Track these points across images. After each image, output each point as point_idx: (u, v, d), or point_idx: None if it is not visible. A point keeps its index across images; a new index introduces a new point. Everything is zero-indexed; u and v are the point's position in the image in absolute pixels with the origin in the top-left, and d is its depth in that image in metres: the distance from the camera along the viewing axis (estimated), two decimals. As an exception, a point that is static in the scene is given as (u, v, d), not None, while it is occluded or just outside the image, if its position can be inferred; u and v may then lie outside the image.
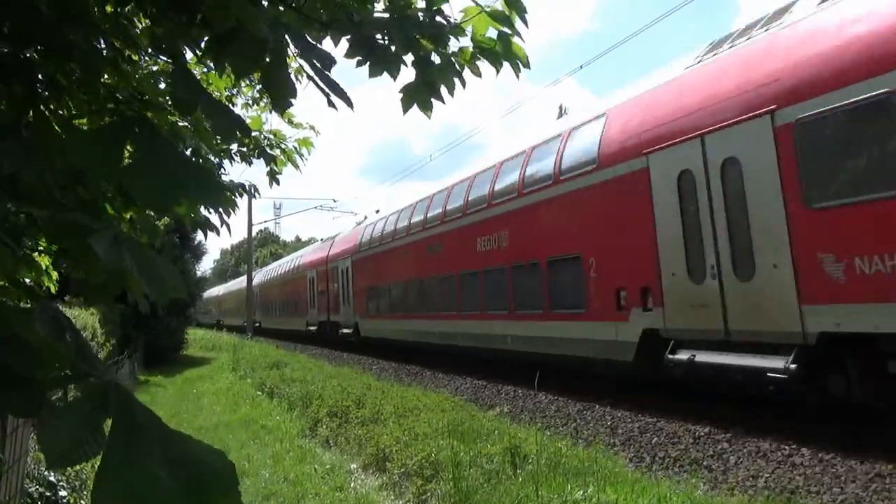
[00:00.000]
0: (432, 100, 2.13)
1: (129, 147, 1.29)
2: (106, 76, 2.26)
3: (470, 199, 14.98)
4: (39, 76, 1.86)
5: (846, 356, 6.67)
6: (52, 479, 5.11)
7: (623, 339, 9.48)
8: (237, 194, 3.95)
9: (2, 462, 3.52)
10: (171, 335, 24.45)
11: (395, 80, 2.07)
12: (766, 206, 7.26)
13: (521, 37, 2.16)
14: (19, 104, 1.74)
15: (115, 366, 12.63)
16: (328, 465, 7.08)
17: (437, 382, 13.83)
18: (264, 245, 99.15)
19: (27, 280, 2.74)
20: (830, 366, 6.82)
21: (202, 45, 1.94)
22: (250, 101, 3.97)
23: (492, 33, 2.15)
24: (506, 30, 2.13)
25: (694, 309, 8.25)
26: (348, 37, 2.02)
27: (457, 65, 2.15)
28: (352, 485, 6.33)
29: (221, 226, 3.59)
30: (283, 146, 3.92)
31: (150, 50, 2.37)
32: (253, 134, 3.82)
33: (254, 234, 45.74)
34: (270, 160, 3.89)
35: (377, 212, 23.82)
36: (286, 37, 1.62)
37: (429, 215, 17.11)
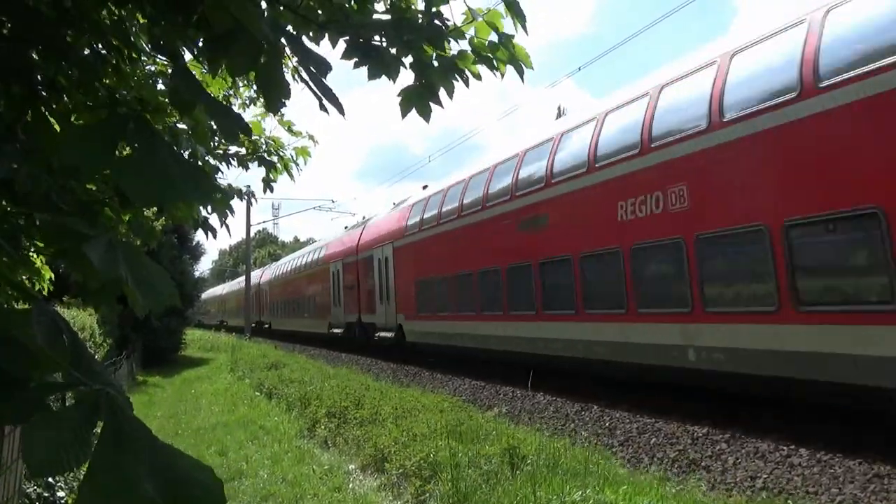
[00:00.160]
0: (431, 104, 2.12)
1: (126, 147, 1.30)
2: (105, 78, 2.26)
3: (604, 143, 10.10)
4: (38, 77, 1.87)
5: None
6: (49, 479, 5.11)
7: None
8: (235, 196, 3.95)
9: (0, 463, 3.51)
10: (170, 336, 24.41)
11: (394, 82, 2.07)
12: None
13: (511, 42, 2.15)
14: (18, 104, 1.74)
15: (112, 367, 12.61)
16: (326, 465, 7.07)
17: (436, 383, 13.83)
18: (262, 245, 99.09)
19: (24, 278, 2.73)
20: None
21: (199, 44, 1.94)
22: (247, 102, 3.97)
23: (493, 37, 2.14)
24: (507, 32, 2.13)
25: None
26: (346, 38, 2.01)
27: (456, 69, 2.15)
28: (350, 485, 6.32)
29: (221, 227, 3.60)
30: (280, 153, 3.93)
31: (148, 50, 2.38)
32: (253, 138, 3.82)
33: (252, 234, 45.61)
34: (270, 167, 3.89)
35: (425, 188, 19.56)
36: (283, 40, 1.62)
37: (520, 177, 12.42)
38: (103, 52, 2.13)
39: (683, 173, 8.49)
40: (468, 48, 2.16)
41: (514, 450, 5.82)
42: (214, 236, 3.65)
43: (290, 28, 1.93)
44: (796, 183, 7.00)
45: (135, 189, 1.13)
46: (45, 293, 3.35)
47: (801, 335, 6.86)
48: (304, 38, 1.95)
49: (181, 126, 2.97)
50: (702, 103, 8.25)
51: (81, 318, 12.33)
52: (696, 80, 8.60)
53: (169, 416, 11.50)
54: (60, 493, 5.17)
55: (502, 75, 2.22)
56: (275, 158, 3.89)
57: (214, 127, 3.31)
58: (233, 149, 3.78)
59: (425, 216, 17.13)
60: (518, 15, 2.10)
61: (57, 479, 5.23)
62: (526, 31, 2.14)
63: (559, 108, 47.35)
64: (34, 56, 1.74)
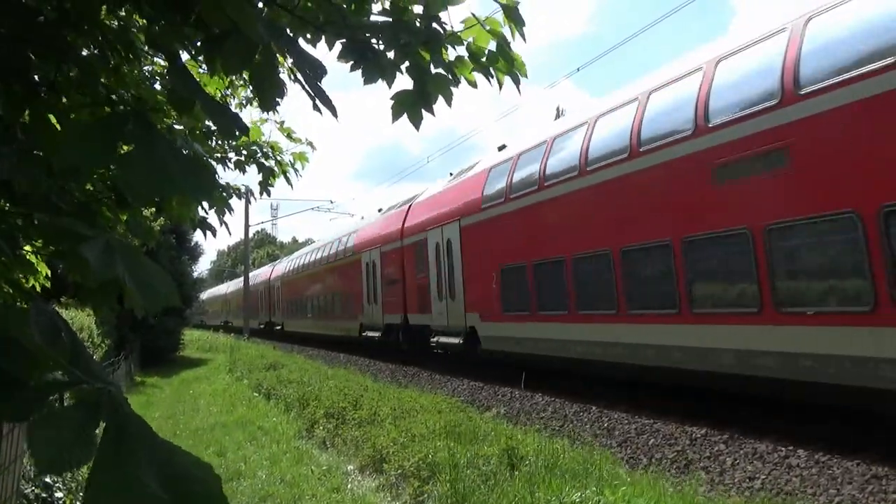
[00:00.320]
0: (423, 111, 2.11)
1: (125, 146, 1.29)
2: (103, 78, 2.26)
3: None
4: (37, 77, 1.87)
5: None
6: (48, 480, 5.11)
7: None
8: (234, 195, 3.96)
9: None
10: (168, 336, 24.39)
11: (389, 87, 2.05)
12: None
13: (509, 49, 2.14)
14: (18, 103, 1.74)
15: (110, 368, 12.60)
16: (325, 466, 7.07)
17: (434, 384, 13.82)
18: (261, 246, 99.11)
19: (20, 276, 2.73)
20: None
21: (197, 44, 1.94)
22: (244, 102, 3.98)
23: (491, 45, 2.13)
24: (505, 40, 2.12)
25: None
26: (342, 40, 2.01)
27: (453, 76, 2.14)
28: (348, 486, 6.32)
29: (220, 226, 3.59)
30: (279, 158, 3.93)
31: (146, 49, 2.37)
32: (253, 147, 3.83)
33: (250, 235, 45.57)
34: (268, 173, 3.90)
35: (501, 149, 14.88)
36: (279, 43, 1.62)
37: (712, 108, 8.11)
38: (102, 52, 2.13)
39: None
40: (465, 54, 2.15)
41: (512, 450, 5.82)
42: (214, 235, 3.65)
43: (286, 30, 1.92)
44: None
45: (134, 184, 1.13)
46: (39, 289, 3.34)
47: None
48: (301, 40, 1.94)
49: (178, 127, 2.97)
50: None
51: (80, 319, 12.31)
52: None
53: (167, 417, 11.49)
54: (59, 494, 5.16)
55: (500, 85, 2.20)
56: (272, 163, 3.90)
57: (213, 128, 3.32)
58: (232, 155, 3.79)
59: (514, 180, 12.53)
60: (517, 22, 2.09)
61: (55, 479, 5.23)
62: (524, 39, 2.13)
63: (558, 109, 47.36)
64: (32, 56, 1.74)
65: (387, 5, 2.13)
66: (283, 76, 1.88)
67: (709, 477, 6.25)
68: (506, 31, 2.13)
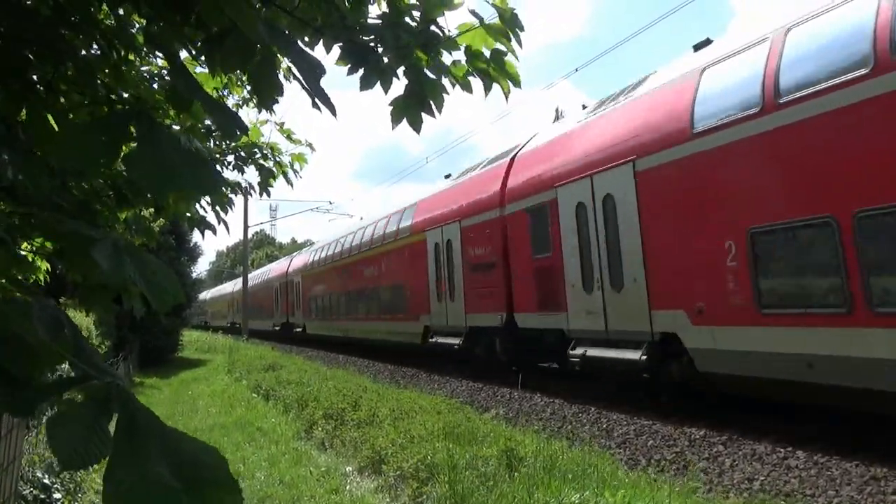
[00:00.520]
0: (422, 114, 2.10)
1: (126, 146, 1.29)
2: (102, 77, 2.26)
3: None
4: (35, 76, 1.86)
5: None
6: (46, 481, 5.10)
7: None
8: (234, 192, 3.96)
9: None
10: (167, 337, 24.36)
11: (386, 92, 2.05)
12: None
13: (515, 55, 2.13)
14: (16, 100, 1.73)
15: (113, 366, 12.60)
16: (324, 467, 7.06)
17: (433, 385, 13.82)
18: (260, 247, 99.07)
19: (19, 277, 2.73)
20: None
21: (196, 44, 1.94)
22: (240, 103, 3.98)
23: (486, 51, 2.13)
24: (500, 47, 2.11)
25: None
26: (340, 43, 2.01)
27: (448, 80, 2.13)
28: (347, 487, 6.31)
29: (219, 223, 3.59)
30: (278, 159, 3.94)
31: (145, 49, 2.37)
32: (253, 150, 3.83)
33: (249, 235, 45.48)
34: (267, 173, 3.90)
35: (700, 47, 9.46)
36: (278, 42, 1.62)
37: None
38: (101, 51, 2.13)
39: None
40: (462, 59, 2.15)
41: (511, 451, 5.81)
42: (214, 233, 3.65)
43: (285, 31, 1.92)
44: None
45: (140, 182, 1.13)
46: (42, 283, 3.34)
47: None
48: (299, 45, 1.94)
49: (176, 127, 2.97)
50: None
51: (79, 320, 12.29)
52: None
53: (166, 418, 11.36)
54: (57, 496, 5.15)
55: (503, 89, 2.19)
56: (271, 164, 3.90)
57: (212, 127, 3.32)
58: (230, 157, 3.79)
59: (788, 73, 7.11)
60: (515, 26, 2.08)
61: (53, 481, 5.22)
62: (520, 44, 2.12)
63: (557, 110, 47.40)
64: (30, 55, 1.74)
65: (385, 8, 2.13)
66: (280, 76, 1.87)
67: (708, 478, 6.25)
68: (499, 44, 2.12)
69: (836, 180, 6.49)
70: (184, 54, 2.14)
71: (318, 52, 2.09)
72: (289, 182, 3.96)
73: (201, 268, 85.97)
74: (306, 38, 2.05)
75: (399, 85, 2.10)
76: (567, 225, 10.81)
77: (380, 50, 2.02)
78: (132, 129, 1.17)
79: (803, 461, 6.31)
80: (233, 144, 3.72)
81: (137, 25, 2.30)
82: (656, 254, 8.93)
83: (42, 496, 4.98)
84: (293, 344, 30.52)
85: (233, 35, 1.55)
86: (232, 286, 54.25)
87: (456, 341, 14.66)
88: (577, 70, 18.86)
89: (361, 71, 2.02)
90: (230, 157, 3.82)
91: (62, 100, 2.09)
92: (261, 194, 4.03)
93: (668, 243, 8.74)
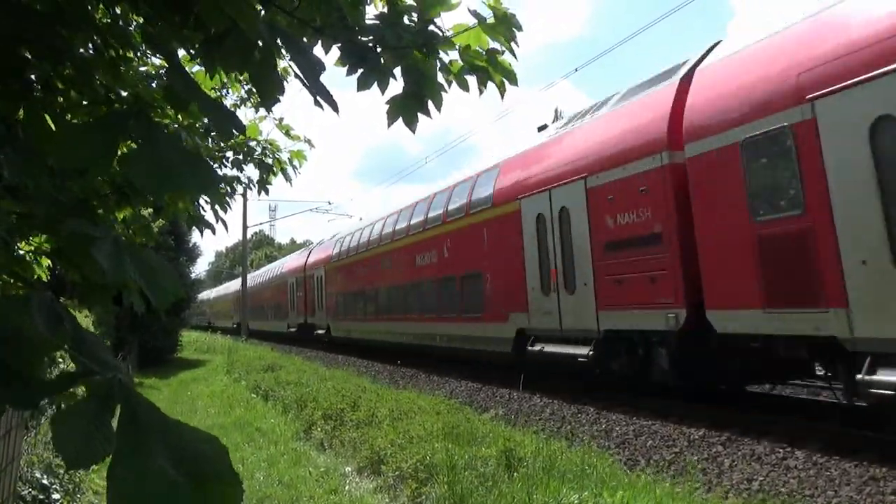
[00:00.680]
0: (418, 114, 2.11)
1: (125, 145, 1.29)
2: (100, 77, 2.25)
3: None
4: (33, 76, 1.86)
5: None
6: (45, 482, 5.10)
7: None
8: (232, 188, 3.95)
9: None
10: (166, 337, 24.35)
11: (383, 92, 2.05)
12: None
13: (513, 53, 2.13)
14: (12, 101, 1.73)
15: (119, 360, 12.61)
16: (323, 468, 7.06)
17: (433, 385, 13.81)
18: (259, 247, 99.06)
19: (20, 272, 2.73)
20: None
21: (196, 45, 1.94)
22: (238, 102, 3.98)
23: (482, 50, 2.13)
24: (496, 46, 2.11)
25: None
26: (339, 44, 2.01)
27: (445, 79, 2.14)
28: (346, 488, 6.31)
29: (217, 223, 3.59)
30: (277, 156, 3.93)
31: (143, 49, 2.37)
32: (250, 143, 3.82)
33: (249, 236, 45.40)
34: (266, 170, 3.90)
35: None
36: (278, 41, 1.63)
37: None
38: (98, 50, 2.13)
39: None
40: (458, 58, 2.15)
41: (510, 452, 5.82)
42: (213, 232, 3.64)
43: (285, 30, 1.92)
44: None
45: (138, 182, 1.13)
46: (44, 280, 3.34)
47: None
48: (299, 43, 1.94)
49: (175, 126, 2.97)
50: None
51: (78, 320, 12.31)
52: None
53: (165, 418, 11.46)
54: (55, 496, 5.15)
55: (499, 87, 2.19)
56: (270, 160, 3.90)
57: (210, 127, 3.32)
58: (229, 153, 3.79)
59: None
60: (512, 25, 2.09)
61: (52, 481, 5.21)
62: (517, 43, 2.13)
63: (556, 111, 47.42)
64: (28, 55, 1.74)
65: (382, 8, 2.13)
66: (279, 75, 1.87)
67: (706, 478, 6.25)
68: (494, 42, 2.12)
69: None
70: (181, 52, 2.14)
71: (317, 52, 2.10)
72: (287, 179, 3.96)
73: (200, 268, 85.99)
74: (305, 39, 2.05)
75: (395, 84, 2.10)
76: (832, 158, 6.63)
77: (378, 50, 2.02)
78: (130, 128, 1.17)
79: (802, 461, 6.31)
80: (231, 141, 3.72)
81: (135, 24, 2.30)
82: None
83: (41, 497, 4.97)
84: (319, 348, 26.46)
85: (233, 35, 1.55)
86: (237, 284, 48.88)
87: (581, 351, 10.17)
88: (576, 70, 18.83)
89: (359, 71, 2.02)
90: (229, 154, 3.82)
91: (60, 99, 2.09)
92: (259, 192, 4.03)
93: None
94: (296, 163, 3.95)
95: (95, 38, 2.06)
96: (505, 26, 2.05)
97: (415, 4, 2.06)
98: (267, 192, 4.03)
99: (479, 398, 11.64)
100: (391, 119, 2.11)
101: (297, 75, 1.64)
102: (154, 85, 2.78)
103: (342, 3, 2.00)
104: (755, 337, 7.53)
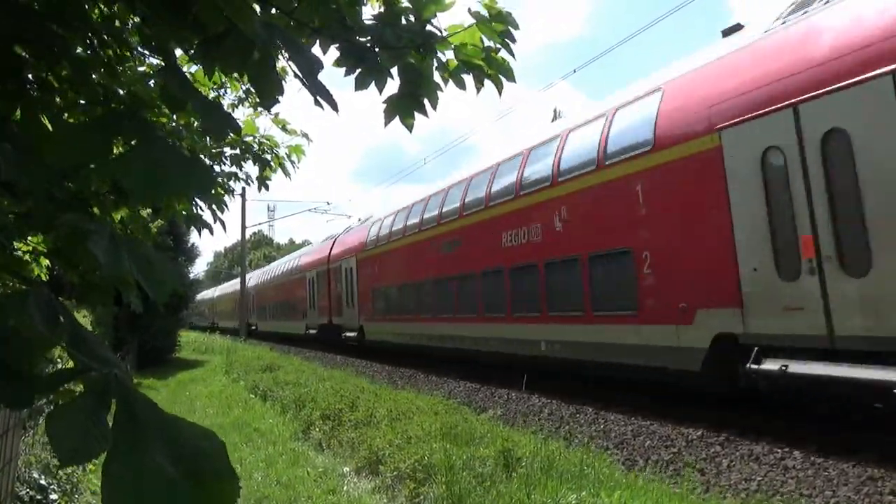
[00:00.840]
0: (415, 113, 2.11)
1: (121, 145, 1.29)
2: (97, 76, 2.25)
3: None
4: (30, 76, 1.86)
5: None
6: (42, 482, 5.09)
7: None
8: (230, 186, 3.95)
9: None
10: (165, 337, 24.33)
11: (380, 92, 2.06)
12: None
13: (510, 52, 2.13)
14: (11, 97, 1.73)
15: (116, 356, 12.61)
16: (321, 468, 7.06)
17: (431, 385, 13.81)
18: (258, 247, 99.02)
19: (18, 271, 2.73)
20: None
21: (194, 45, 1.94)
22: (236, 102, 3.98)
23: (478, 48, 2.13)
24: (491, 44, 2.12)
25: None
26: (337, 45, 2.02)
27: (442, 77, 2.14)
28: (344, 488, 6.31)
29: (215, 222, 3.59)
30: (275, 152, 3.94)
31: (140, 49, 2.37)
32: (246, 139, 3.82)
33: (247, 236, 45.31)
34: (264, 166, 3.90)
35: None
36: (277, 41, 1.63)
37: None
38: (95, 49, 2.13)
39: None
40: (453, 57, 2.16)
41: (508, 452, 5.82)
42: (211, 232, 3.65)
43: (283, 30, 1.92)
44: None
45: (131, 185, 1.13)
46: (43, 279, 3.33)
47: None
48: (297, 42, 1.94)
49: (173, 124, 2.97)
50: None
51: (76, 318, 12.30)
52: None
53: (163, 419, 11.44)
54: (53, 496, 5.14)
55: (496, 85, 2.20)
56: (268, 156, 3.90)
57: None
58: (227, 150, 3.79)
59: None
60: (508, 24, 2.09)
61: (50, 481, 5.21)
62: (513, 40, 2.13)
63: (555, 111, 47.44)
64: (25, 55, 1.74)
65: (379, 9, 2.13)
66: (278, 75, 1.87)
67: (705, 478, 6.26)
68: (490, 41, 2.12)
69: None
70: (179, 52, 2.14)
71: (315, 52, 2.10)
72: (287, 174, 3.96)
73: (199, 268, 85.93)
74: (303, 40, 2.05)
75: (392, 84, 2.10)
76: None
77: (376, 50, 2.02)
78: (125, 128, 1.16)
79: (801, 461, 6.32)
80: (229, 139, 3.72)
81: (131, 23, 2.30)
82: None
83: (38, 497, 4.96)
84: (350, 354, 22.42)
85: (232, 35, 1.55)
86: (247, 279, 44.40)
87: None
88: (574, 71, 18.78)
89: (357, 71, 2.03)
90: (227, 150, 3.82)
91: (58, 100, 2.09)
92: (259, 188, 4.04)
93: None
94: (294, 158, 3.95)
95: (93, 37, 2.06)
96: (500, 24, 2.06)
97: (410, 6, 2.06)
98: (267, 187, 4.03)
99: (477, 398, 11.64)
100: (388, 118, 2.12)
101: (296, 75, 1.64)
102: (152, 84, 2.78)
103: (341, 4, 2.01)
104: None
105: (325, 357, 22.65)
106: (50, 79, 1.96)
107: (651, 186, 9.04)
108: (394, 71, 2.06)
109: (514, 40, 2.10)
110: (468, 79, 2.18)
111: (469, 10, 2.07)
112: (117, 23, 2.19)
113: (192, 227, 3.64)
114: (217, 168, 3.89)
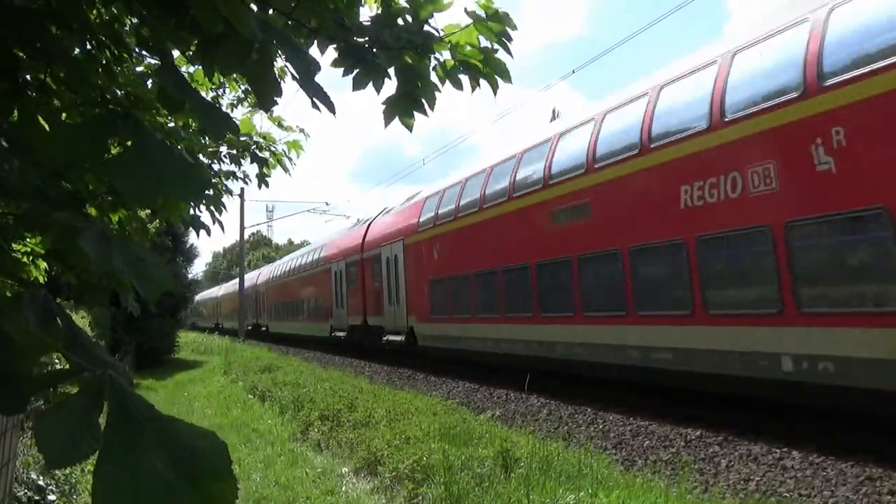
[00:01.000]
0: (415, 113, 2.11)
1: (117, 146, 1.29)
2: (95, 77, 2.25)
3: None
4: (27, 76, 1.85)
5: None
6: (40, 483, 5.08)
7: None
8: (228, 187, 3.95)
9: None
10: (163, 338, 24.30)
11: (378, 92, 2.05)
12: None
13: (508, 51, 2.13)
14: (8, 98, 1.73)
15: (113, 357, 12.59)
16: (319, 468, 7.05)
17: (430, 386, 13.81)
18: (257, 248, 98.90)
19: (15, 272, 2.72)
20: None
21: (191, 46, 1.94)
22: (235, 102, 3.97)
23: (474, 48, 2.13)
24: (488, 44, 2.11)
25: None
26: (334, 45, 2.01)
27: (439, 77, 2.14)
28: (343, 488, 6.30)
29: (213, 224, 3.59)
30: (272, 149, 3.93)
31: (137, 50, 2.37)
32: (242, 138, 3.82)
33: (246, 236, 45.24)
34: (262, 163, 3.90)
35: None
36: (274, 41, 1.63)
37: None
38: (91, 50, 2.12)
39: None
40: (450, 57, 2.15)
41: (507, 452, 5.81)
42: (208, 233, 3.64)
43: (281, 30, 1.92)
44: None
45: (125, 188, 1.12)
46: (42, 280, 3.32)
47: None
48: (294, 43, 1.94)
49: (171, 125, 2.97)
50: None
51: (75, 321, 12.27)
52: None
53: (161, 419, 11.42)
54: (52, 497, 5.13)
55: (492, 85, 2.19)
56: (266, 154, 3.90)
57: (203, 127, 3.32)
58: (224, 149, 3.78)
59: None
60: (505, 24, 2.08)
61: (48, 482, 5.20)
62: (510, 40, 2.12)
63: (554, 111, 47.43)
64: (22, 55, 1.74)
65: (376, 10, 2.13)
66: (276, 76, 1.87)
67: (703, 479, 6.26)
68: (487, 41, 2.12)
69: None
70: (177, 53, 2.14)
71: (313, 53, 2.09)
72: (286, 170, 3.95)
73: (198, 269, 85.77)
74: (301, 40, 2.05)
75: (390, 84, 2.10)
76: None
77: (374, 51, 2.02)
78: (119, 129, 1.16)
79: (799, 462, 6.32)
80: (227, 137, 3.72)
81: (129, 24, 2.29)
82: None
83: (36, 498, 4.95)
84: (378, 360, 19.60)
85: (231, 36, 1.55)
86: (251, 278, 41.80)
87: None
88: (573, 72, 18.82)
89: (355, 72, 2.02)
90: (224, 149, 3.82)
91: (56, 101, 2.09)
92: (259, 185, 4.03)
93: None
94: (293, 153, 3.95)
95: (90, 38, 2.05)
96: (497, 24, 2.06)
97: (407, 6, 2.06)
98: (267, 184, 4.03)
99: (476, 399, 11.64)
100: (388, 119, 2.12)
101: (293, 76, 1.64)
102: (150, 83, 2.78)
103: (339, 4, 2.00)
104: None
105: (324, 358, 22.63)
106: (47, 80, 1.95)
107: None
108: (391, 71, 2.05)
109: (511, 40, 2.10)
110: (464, 79, 2.17)
111: (465, 10, 2.06)
112: (115, 24, 2.19)
113: (192, 228, 3.63)
114: (215, 167, 3.88)
